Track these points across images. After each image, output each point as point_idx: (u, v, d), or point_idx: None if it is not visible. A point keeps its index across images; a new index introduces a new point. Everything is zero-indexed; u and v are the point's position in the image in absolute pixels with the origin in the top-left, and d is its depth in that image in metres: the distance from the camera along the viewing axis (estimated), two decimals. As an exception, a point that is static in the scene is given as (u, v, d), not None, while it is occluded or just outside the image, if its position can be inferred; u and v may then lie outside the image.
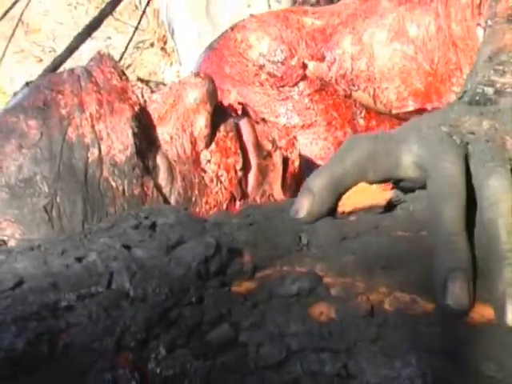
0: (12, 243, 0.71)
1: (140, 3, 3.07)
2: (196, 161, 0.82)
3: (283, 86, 1.00)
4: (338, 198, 0.59)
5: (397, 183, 0.61)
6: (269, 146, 0.87)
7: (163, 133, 0.82)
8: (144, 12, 2.62)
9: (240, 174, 0.84)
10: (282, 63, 1.00)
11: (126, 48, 2.39)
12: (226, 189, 0.83)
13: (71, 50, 1.82)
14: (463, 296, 0.51)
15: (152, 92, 0.83)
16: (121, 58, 2.29)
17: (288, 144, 0.90)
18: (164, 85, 0.84)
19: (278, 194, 0.86)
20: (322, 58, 0.98)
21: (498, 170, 0.55)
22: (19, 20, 2.35)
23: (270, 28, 1.00)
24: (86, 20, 2.28)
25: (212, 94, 0.84)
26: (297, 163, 0.89)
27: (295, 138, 0.92)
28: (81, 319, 0.50)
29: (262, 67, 1.00)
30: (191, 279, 0.52)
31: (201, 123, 0.83)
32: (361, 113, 1.01)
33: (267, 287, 0.53)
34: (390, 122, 1.00)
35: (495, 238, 0.52)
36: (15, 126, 0.77)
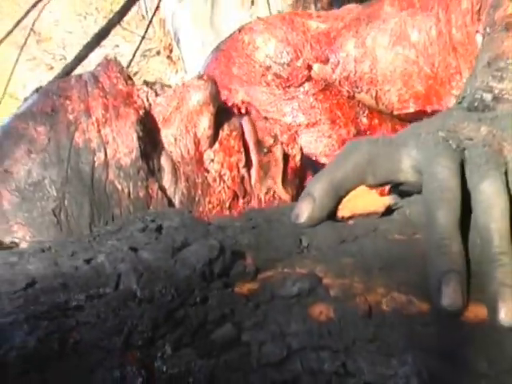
0: (23, 245, 0.73)
1: (147, 13, 3.08)
2: (199, 161, 0.83)
3: (289, 87, 1.01)
4: (339, 202, 0.60)
5: (396, 186, 0.62)
6: (270, 142, 0.87)
7: (167, 135, 0.83)
8: (151, 21, 2.63)
9: (242, 171, 0.85)
10: (288, 64, 1.01)
11: (134, 56, 2.40)
12: (228, 187, 0.84)
13: (81, 57, 1.83)
14: (457, 298, 0.52)
15: (157, 95, 0.84)
16: (128, 65, 2.30)
17: (289, 139, 0.91)
18: (169, 87, 0.85)
19: (279, 188, 0.87)
20: (327, 61, 1.00)
21: (491, 173, 0.56)
22: (31, 29, 2.37)
23: (277, 30, 1.01)
24: (94, 29, 2.30)
25: (214, 96, 0.85)
26: (298, 158, 0.90)
27: (296, 133, 0.94)
28: (90, 318, 0.50)
29: (268, 68, 1.02)
30: (196, 280, 0.53)
31: (204, 124, 0.84)
32: (364, 112, 1.02)
33: (269, 288, 0.54)
34: (391, 121, 1.02)
35: (488, 242, 0.53)
36: (25, 132, 0.78)
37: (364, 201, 0.60)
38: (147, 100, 0.83)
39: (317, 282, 0.54)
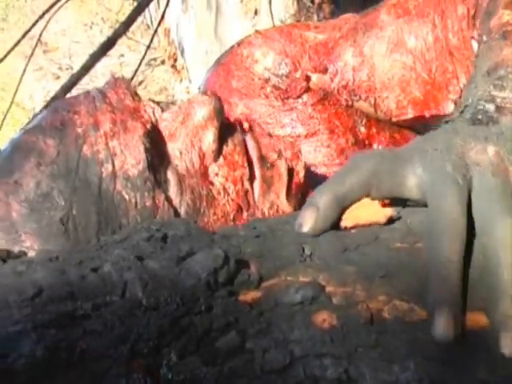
0: (31, 254, 0.74)
1: (152, 23, 3.10)
2: (204, 174, 0.84)
3: (288, 98, 1.02)
4: (342, 213, 0.61)
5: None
6: (274, 157, 0.88)
7: (173, 148, 0.84)
8: (156, 31, 2.64)
9: (246, 185, 0.86)
10: (287, 76, 1.02)
11: (139, 65, 2.42)
12: (233, 200, 0.85)
13: (87, 67, 1.84)
14: (448, 331, 0.52)
15: (163, 111, 0.85)
16: (134, 74, 2.31)
17: (293, 156, 0.92)
18: (174, 104, 0.86)
19: (283, 203, 0.88)
20: (325, 71, 1.00)
21: (501, 217, 0.56)
22: (38, 40, 2.38)
23: (275, 43, 1.02)
24: (100, 39, 2.32)
25: (219, 111, 0.86)
26: (302, 174, 0.91)
27: (300, 150, 0.94)
28: (97, 327, 0.51)
29: (267, 80, 1.02)
30: (201, 289, 0.54)
31: (209, 139, 0.85)
32: (362, 121, 1.03)
33: (272, 296, 0.54)
34: (389, 129, 1.02)
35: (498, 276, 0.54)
36: (34, 145, 0.79)
37: (366, 211, 0.60)
38: (154, 115, 0.84)
39: (320, 290, 0.54)
